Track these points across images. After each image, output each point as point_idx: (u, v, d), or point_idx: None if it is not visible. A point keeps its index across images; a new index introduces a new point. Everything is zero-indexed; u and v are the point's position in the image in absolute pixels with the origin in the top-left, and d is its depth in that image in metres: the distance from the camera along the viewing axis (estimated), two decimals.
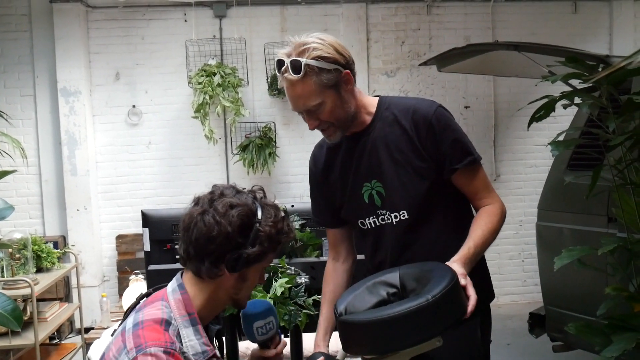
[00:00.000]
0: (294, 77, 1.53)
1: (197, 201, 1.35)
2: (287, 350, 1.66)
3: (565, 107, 2.07)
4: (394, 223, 1.67)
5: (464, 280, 1.38)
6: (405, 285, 1.42)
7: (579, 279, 2.94)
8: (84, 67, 4.87)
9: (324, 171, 1.79)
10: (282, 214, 1.35)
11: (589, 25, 5.34)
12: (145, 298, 1.37)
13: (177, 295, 1.32)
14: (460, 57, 3.83)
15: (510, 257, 5.29)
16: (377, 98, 1.73)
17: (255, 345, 1.53)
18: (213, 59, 4.91)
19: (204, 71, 4.72)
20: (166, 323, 1.27)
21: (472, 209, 1.72)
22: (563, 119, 4.21)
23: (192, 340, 1.28)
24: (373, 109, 1.70)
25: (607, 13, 5.35)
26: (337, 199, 1.77)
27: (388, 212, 1.67)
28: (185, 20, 5.02)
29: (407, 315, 1.25)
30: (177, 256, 1.39)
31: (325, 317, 1.75)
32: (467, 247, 1.53)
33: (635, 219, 1.95)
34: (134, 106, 5.02)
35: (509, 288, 5.29)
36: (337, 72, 1.57)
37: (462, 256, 1.49)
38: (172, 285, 1.35)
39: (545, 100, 1.95)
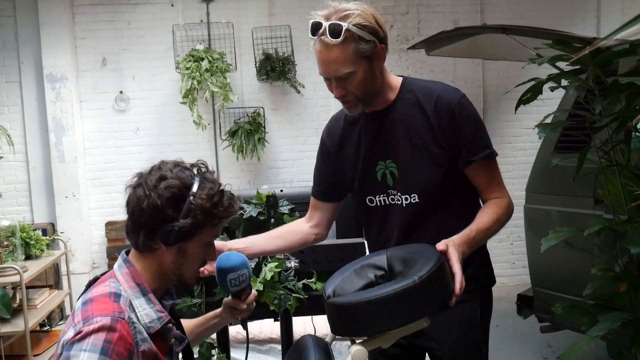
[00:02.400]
0: (332, 40, 1.51)
1: (136, 175, 1.37)
2: (277, 333, 1.67)
3: (552, 89, 2.07)
4: (404, 205, 1.67)
5: (457, 267, 1.39)
6: (393, 268, 1.43)
7: (566, 260, 2.97)
8: (69, 53, 4.81)
9: (339, 145, 1.77)
10: (221, 188, 1.35)
11: (577, 9, 5.35)
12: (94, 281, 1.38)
13: (123, 269, 1.33)
14: (448, 41, 3.83)
15: (499, 240, 5.33)
16: (401, 78, 1.72)
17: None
18: (201, 44, 4.87)
19: (192, 56, 4.69)
20: (115, 295, 1.27)
21: (480, 202, 1.73)
22: (551, 102, 4.22)
23: (145, 309, 1.28)
24: (396, 89, 1.69)
25: None
26: (346, 173, 1.77)
27: (399, 194, 1.67)
28: (172, 5, 4.97)
29: (394, 296, 1.26)
30: (126, 235, 1.39)
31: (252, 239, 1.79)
32: (470, 230, 1.55)
33: (621, 200, 1.96)
34: (121, 92, 4.98)
35: (498, 271, 5.26)
36: (373, 45, 1.56)
37: (463, 236, 1.50)
38: (117, 263, 1.36)
39: (533, 82, 1.95)
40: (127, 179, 4.82)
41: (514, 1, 5.25)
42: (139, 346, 1.23)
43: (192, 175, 1.33)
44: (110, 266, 4.93)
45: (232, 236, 2.17)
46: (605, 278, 2.03)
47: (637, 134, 2.02)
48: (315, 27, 1.54)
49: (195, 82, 4.60)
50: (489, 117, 5.35)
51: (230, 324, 1.97)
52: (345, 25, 1.50)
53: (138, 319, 1.26)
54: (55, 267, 4.74)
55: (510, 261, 5.39)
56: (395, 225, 1.71)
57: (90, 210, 5.02)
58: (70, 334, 1.19)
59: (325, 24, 1.51)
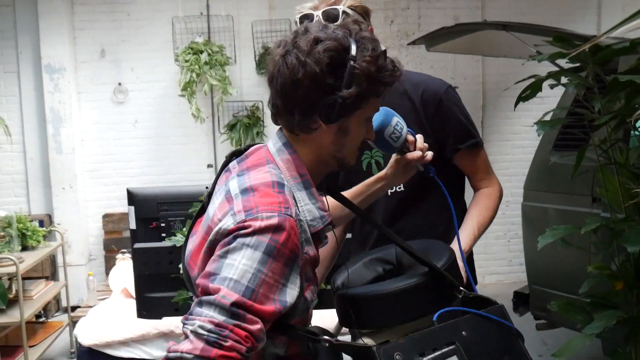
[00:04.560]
0: (330, 25, 1.52)
1: (279, 43, 1.13)
2: None
3: (551, 87, 2.07)
4: (389, 194, 1.67)
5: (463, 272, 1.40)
6: (402, 262, 1.42)
7: (563, 258, 2.97)
8: (68, 44, 4.79)
9: None
10: (383, 47, 1.13)
11: (577, 6, 5.34)
12: (234, 157, 1.20)
13: (284, 154, 1.14)
14: (448, 37, 3.81)
15: (497, 237, 5.34)
16: None
17: None
18: (200, 36, 4.85)
19: (191, 49, 4.67)
20: (279, 185, 1.07)
21: (463, 194, 1.75)
22: (550, 100, 4.20)
23: (307, 205, 1.11)
24: None
25: None
26: None
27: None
28: None
29: (406, 290, 1.24)
30: (272, 116, 1.18)
31: None
32: (472, 228, 1.58)
33: (619, 199, 1.97)
34: (119, 84, 4.96)
35: (495, 268, 5.35)
36: (366, 26, 1.55)
37: (469, 239, 1.55)
38: (274, 144, 1.16)
39: (532, 80, 1.95)
40: (125, 171, 4.79)
41: None
42: (303, 247, 1.07)
43: (347, 35, 1.10)
44: (108, 258, 4.95)
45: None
46: (601, 276, 2.03)
47: (636, 132, 2.02)
48: (307, 19, 1.55)
49: (194, 75, 4.59)
50: (488, 114, 5.35)
51: None
52: (341, 8, 1.52)
53: (300, 215, 1.08)
54: (52, 259, 4.74)
55: (507, 258, 5.39)
56: (380, 214, 1.70)
57: (87, 202, 5.01)
58: (228, 222, 1.03)
59: (317, 13, 1.53)
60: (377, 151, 1.66)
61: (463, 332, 1.18)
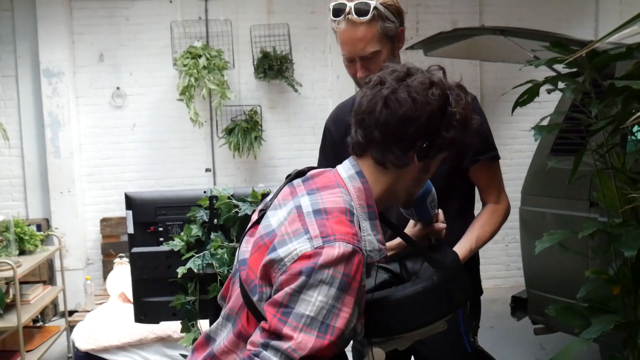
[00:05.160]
0: (359, 19, 1.53)
1: (379, 81, 1.16)
2: None
3: (549, 92, 2.08)
4: None
5: None
6: (407, 267, 1.42)
7: (560, 262, 2.98)
8: (67, 48, 4.80)
9: (345, 133, 1.76)
10: (469, 100, 1.20)
11: (575, 12, 5.36)
12: (297, 177, 1.23)
13: (356, 183, 1.16)
14: (446, 42, 3.83)
15: (494, 241, 5.25)
16: None
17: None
18: (198, 41, 4.85)
19: (190, 53, 4.68)
20: (350, 213, 1.10)
21: (473, 207, 1.77)
22: (548, 104, 4.23)
23: (369, 235, 1.13)
24: None
25: None
26: None
27: None
28: (171, 1, 4.96)
29: (414, 296, 1.23)
30: (357, 147, 1.20)
31: None
32: (470, 241, 1.59)
33: (616, 203, 1.97)
34: (118, 88, 4.96)
35: (493, 272, 5.35)
36: (397, 26, 1.59)
37: (463, 250, 1.56)
38: (346, 170, 1.19)
39: (529, 85, 1.96)
40: (123, 175, 4.78)
41: (513, 3, 5.26)
42: (363, 281, 1.09)
43: (444, 83, 1.16)
44: (106, 263, 4.94)
45: (226, 234, 2.16)
46: (599, 281, 2.03)
47: (632, 137, 2.02)
48: (339, 9, 1.56)
49: (192, 79, 4.59)
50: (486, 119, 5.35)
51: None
52: (373, 3, 1.53)
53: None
54: (49, 263, 4.73)
55: (505, 263, 5.39)
56: (393, 218, 1.70)
57: (85, 206, 5.00)
58: (305, 246, 1.04)
59: (350, 4, 1.54)
60: None
61: None
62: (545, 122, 2.13)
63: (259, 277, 1.09)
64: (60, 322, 4.48)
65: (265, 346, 1.02)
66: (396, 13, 1.58)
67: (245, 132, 4.79)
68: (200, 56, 4.65)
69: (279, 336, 1.01)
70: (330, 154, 1.82)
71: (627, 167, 1.93)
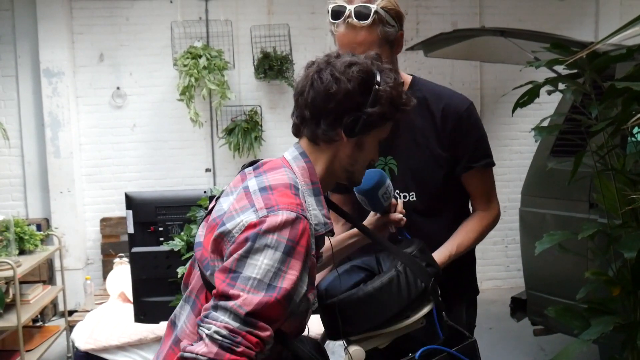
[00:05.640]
0: (359, 23, 1.51)
1: (311, 64, 1.27)
2: None
3: (549, 93, 2.08)
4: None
5: None
6: (382, 266, 1.43)
7: (560, 263, 2.98)
8: (67, 48, 4.80)
9: None
10: (402, 80, 1.29)
11: (575, 13, 5.36)
12: (250, 166, 1.29)
13: (300, 162, 1.25)
14: (447, 43, 3.83)
15: (494, 242, 5.34)
16: (411, 77, 1.70)
17: None
18: (199, 41, 4.85)
19: (190, 53, 4.68)
20: (295, 188, 1.18)
21: (469, 212, 1.75)
22: (548, 105, 4.23)
23: (315, 210, 1.20)
24: (406, 86, 1.65)
25: (594, 1, 5.37)
26: None
27: (397, 191, 1.65)
28: (171, 2, 4.96)
29: (379, 289, 1.27)
30: (292, 122, 1.31)
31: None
32: (450, 250, 1.59)
33: (616, 205, 1.97)
34: (118, 88, 4.96)
35: (492, 273, 5.35)
36: (396, 29, 1.57)
37: (441, 257, 1.55)
38: (291, 153, 1.27)
39: (530, 86, 1.96)
40: (123, 175, 4.78)
41: (513, 5, 5.26)
42: (311, 249, 1.15)
43: (373, 64, 1.25)
44: (106, 263, 4.93)
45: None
46: (598, 282, 2.03)
47: (632, 138, 2.03)
48: (338, 12, 1.54)
49: (192, 80, 4.59)
50: (486, 120, 5.35)
51: None
52: (373, 7, 1.51)
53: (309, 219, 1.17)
54: (49, 263, 4.73)
55: (505, 264, 5.40)
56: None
57: (85, 206, 5.00)
58: (251, 217, 1.11)
59: (350, 7, 1.52)
60: (392, 158, 1.66)
61: None
62: (545, 124, 2.13)
63: (210, 252, 1.16)
64: (60, 322, 4.47)
65: (215, 308, 1.07)
66: (396, 17, 1.56)
67: (245, 132, 4.79)
68: (200, 56, 4.65)
69: (227, 297, 1.06)
70: None
71: (627, 169, 1.93)
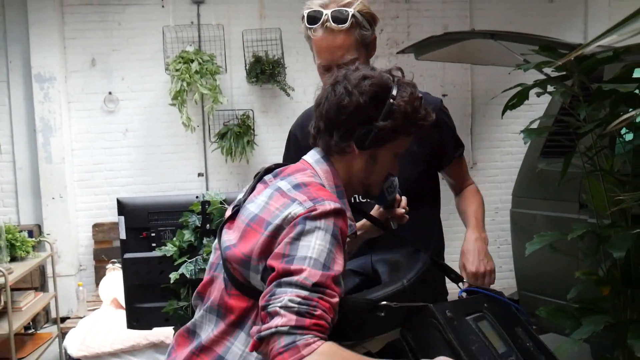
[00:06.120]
0: (337, 27, 1.54)
1: (331, 76, 1.31)
2: None
3: (538, 95, 2.10)
4: None
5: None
6: (378, 272, 1.43)
7: (551, 264, 3.00)
8: (58, 53, 4.79)
9: None
10: (420, 94, 1.29)
11: (564, 15, 5.40)
12: (267, 174, 1.32)
13: (323, 166, 1.27)
14: (437, 46, 3.85)
15: (487, 243, 5.35)
16: None
17: None
18: (191, 45, 4.86)
19: (182, 58, 4.68)
20: (324, 187, 1.22)
21: (440, 204, 1.85)
22: (538, 107, 4.26)
23: None
24: None
25: (583, 2, 5.42)
26: None
27: None
28: (163, 6, 4.96)
29: (383, 300, 1.26)
30: (312, 138, 1.33)
31: None
32: (472, 220, 1.73)
33: (605, 205, 1.99)
34: (110, 93, 4.95)
35: None
36: (371, 32, 1.61)
37: (474, 229, 1.72)
38: (312, 156, 1.29)
39: (519, 88, 1.98)
40: (115, 180, 4.76)
41: (503, 7, 5.29)
42: (345, 244, 1.17)
43: (390, 77, 1.27)
44: (98, 269, 4.92)
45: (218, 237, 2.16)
46: (589, 282, 2.05)
47: (620, 139, 2.05)
48: (315, 16, 1.56)
49: (184, 84, 4.59)
50: (477, 122, 5.38)
51: None
52: (351, 11, 1.54)
53: None
54: (41, 269, 4.71)
55: (497, 264, 5.34)
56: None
57: (77, 212, 4.99)
58: (297, 209, 1.12)
59: (327, 12, 1.54)
60: None
61: (485, 304, 1.33)
62: (534, 125, 2.15)
63: (257, 254, 1.13)
64: (52, 329, 4.45)
65: (279, 285, 1.05)
66: (371, 20, 1.60)
67: (237, 136, 4.79)
68: (192, 61, 4.65)
69: (289, 273, 1.05)
70: (295, 160, 1.81)
71: (615, 169, 1.95)
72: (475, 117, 5.38)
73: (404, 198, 1.52)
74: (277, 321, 1.01)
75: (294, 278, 1.04)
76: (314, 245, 1.08)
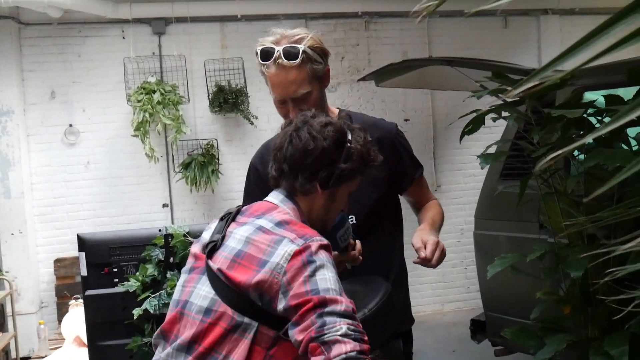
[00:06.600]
0: (289, 63, 1.58)
1: (289, 123, 1.40)
2: None
3: (494, 120, 2.16)
4: None
5: (436, 246, 1.52)
6: None
7: (515, 284, 3.04)
8: (16, 86, 4.71)
9: None
10: (370, 138, 1.41)
11: (519, 39, 5.59)
12: (239, 213, 1.37)
13: (289, 204, 1.36)
14: (397, 72, 3.93)
15: (454, 265, 5.42)
16: (337, 109, 1.79)
17: None
18: (153, 76, 4.84)
19: (144, 89, 4.66)
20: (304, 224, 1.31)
21: (402, 228, 1.86)
22: (498, 129, 4.36)
23: None
24: (334, 116, 1.73)
25: (535, 27, 5.62)
26: None
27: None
28: (124, 37, 4.95)
29: None
30: (272, 179, 1.41)
31: None
32: (427, 221, 1.70)
33: (562, 226, 2.04)
34: (70, 125, 4.88)
35: (453, 295, 5.42)
36: (323, 66, 1.65)
37: (428, 225, 1.67)
38: (276, 197, 1.38)
39: (475, 114, 2.03)
40: (77, 213, 4.65)
41: (460, 33, 5.44)
42: None
43: (345, 124, 1.39)
44: (60, 305, 4.77)
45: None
46: (550, 301, 2.09)
47: (574, 162, 2.11)
48: (268, 53, 1.60)
49: (147, 115, 4.56)
50: (439, 145, 5.48)
51: None
52: (301, 47, 1.58)
53: None
54: (0, 308, 4.55)
55: (465, 285, 5.47)
56: None
57: (37, 247, 4.86)
58: (291, 246, 1.21)
59: (279, 48, 1.58)
60: None
61: None
62: (491, 150, 2.20)
63: (253, 288, 1.20)
64: None
65: (321, 316, 1.14)
66: (322, 54, 1.64)
67: (202, 166, 4.76)
68: (154, 91, 4.63)
69: (325, 303, 1.14)
70: (257, 192, 1.78)
71: (569, 191, 2.01)
72: (437, 141, 5.47)
73: (358, 242, 1.58)
74: (343, 348, 1.11)
75: (337, 308, 1.14)
76: (329, 277, 1.18)
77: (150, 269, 2.03)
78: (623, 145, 2.01)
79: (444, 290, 5.40)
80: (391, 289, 1.38)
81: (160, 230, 2.09)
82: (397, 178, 1.76)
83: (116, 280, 2.10)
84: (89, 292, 2.04)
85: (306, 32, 1.63)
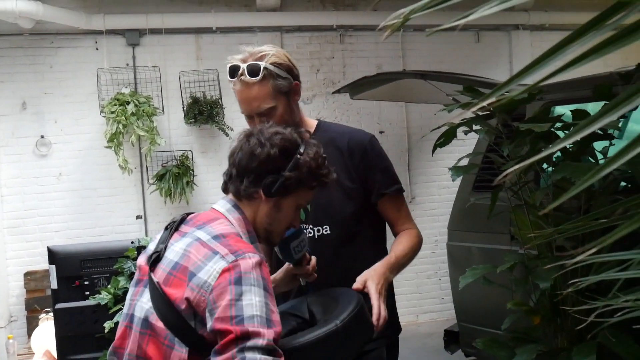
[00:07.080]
0: (251, 79, 1.62)
1: (246, 131, 1.43)
2: None
3: (465, 133, 2.20)
4: (316, 236, 1.73)
5: (376, 298, 1.46)
6: (314, 313, 1.45)
7: (487, 295, 3.07)
8: None
9: None
10: (325, 155, 1.42)
11: (491, 54, 5.69)
12: (183, 221, 1.38)
13: (235, 214, 1.37)
14: (371, 85, 3.97)
15: (428, 276, 5.46)
16: (317, 121, 1.84)
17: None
18: (126, 87, 4.81)
19: (117, 100, 4.62)
20: (240, 236, 1.31)
21: (385, 241, 1.83)
22: (471, 141, 4.44)
23: None
24: (312, 129, 1.79)
25: (507, 42, 5.73)
26: None
27: (310, 226, 1.73)
28: (97, 49, 4.91)
29: (317, 342, 1.27)
30: (223, 184, 1.44)
31: None
32: (389, 257, 1.66)
33: (531, 237, 2.08)
34: (42, 136, 4.82)
35: (428, 306, 5.45)
36: (289, 81, 1.68)
37: (384, 263, 1.61)
38: (223, 206, 1.39)
39: (447, 127, 2.07)
40: (49, 226, 4.60)
41: (433, 47, 5.52)
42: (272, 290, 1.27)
43: (299, 136, 1.41)
44: (30, 319, 4.68)
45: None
46: (520, 312, 2.12)
47: (543, 174, 2.16)
48: (234, 70, 1.65)
49: (120, 126, 4.52)
50: (414, 157, 5.54)
51: None
52: (262, 64, 1.62)
53: None
54: None
55: (439, 296, 5.51)
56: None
57: (7, 260, 4.76)
58: (220, 263, 1.20)
59: (243, 66, 1.63)
60: None
61: None
62: (463, 162, 2.24)
63: (185, 305, 1.20)
64: None
65: (242, 351, 1.12)
66: (287, 70, 1.67)
67: (176, 177, 4.74)
68: (128, 103, 4.60)
69: (247, 336, 1.13)
70: None
71: (538, 203, 2.05)
72: (412, 153, 5.53)
73: (313, 257, 1.59)
74: None
75: (258, 342, 1.13)
76: (255, 303, 1.16)
77: (123, 282, 2.01)
78: (590, 159, 2.07)
79: (418, 301, 5.44)
80: (362, 301, 1.39)
81: (132, 242, 2.08)
82: (367, 190, 1.74)
83: (87, 293, 2.08)
84: (59, 305, 2.01)
85: (271, 48, 1.68)
